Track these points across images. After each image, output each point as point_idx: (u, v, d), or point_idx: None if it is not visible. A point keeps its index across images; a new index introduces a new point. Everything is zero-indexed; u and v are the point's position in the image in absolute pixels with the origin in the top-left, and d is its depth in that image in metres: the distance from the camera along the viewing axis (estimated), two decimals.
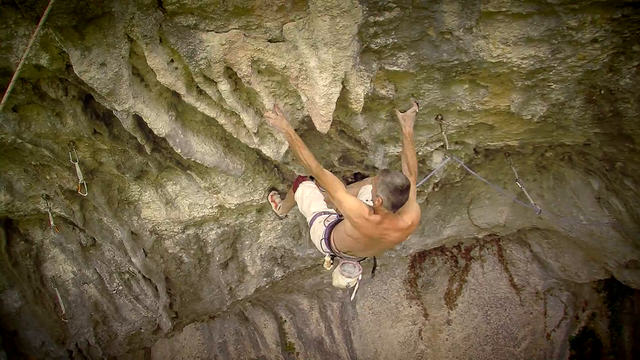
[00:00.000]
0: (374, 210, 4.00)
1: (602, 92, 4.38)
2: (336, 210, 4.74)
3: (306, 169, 4.34)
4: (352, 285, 4.91)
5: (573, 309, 10.07)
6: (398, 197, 3.83)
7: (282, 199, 6.07)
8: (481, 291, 10.19)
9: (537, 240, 9.25)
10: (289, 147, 4.64)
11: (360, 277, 4.88)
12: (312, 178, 5.29)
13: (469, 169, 5.64)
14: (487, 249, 10.00)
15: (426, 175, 5.77)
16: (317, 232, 4.78)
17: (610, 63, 4.05)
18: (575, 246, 8.49)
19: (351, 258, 4.70)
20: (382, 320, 10.35)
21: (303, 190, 5.25)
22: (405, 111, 4.62)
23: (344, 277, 4.82)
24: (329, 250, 4.68)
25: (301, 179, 5.36)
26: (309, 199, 5.15)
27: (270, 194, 6.08)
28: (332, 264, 4.78)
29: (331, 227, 4.61)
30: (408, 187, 3.83)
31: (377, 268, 5.15)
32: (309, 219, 5.01)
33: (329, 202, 4.96)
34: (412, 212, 4.10)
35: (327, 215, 4.82)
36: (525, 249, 9.67)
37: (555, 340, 10.21)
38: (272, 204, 6.09)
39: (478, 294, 10.20)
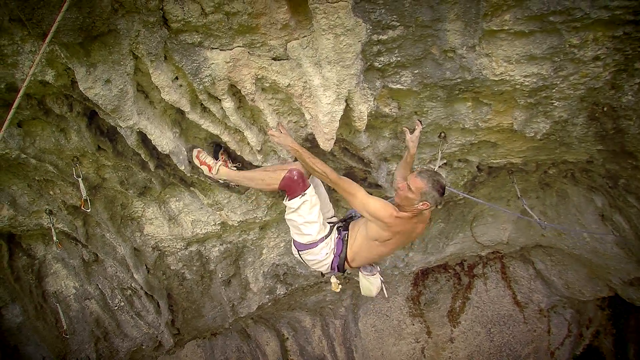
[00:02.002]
0: (397, 206, 4.04)
1: (605, 109, 4.39)
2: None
3: (322, 179, 4.22)
4: (380, 285, 4.72)
5: (577, 326, 9.99)
6: (443, 197, 3.98)
7: (216, 160, 4.67)
8: (484, 309, 10.13)
9: (540, 258, 9.22)
10: None
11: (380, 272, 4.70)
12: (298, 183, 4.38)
13: (453, 190, 5.65)
14: (491, 266, 9.96)
15: None
16: (319, 256, 4.50)
17: (612, 80, 4.06)
18: (579, 263, 8.46)
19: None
20: (385, 337, 10.28)
21: (311, 200, 4.35)
22: (413, 131, 4.58)
23: (371, 278, 4.62)
24: (335, 272, 4.56)
25: (297, 182, 4.31)
26: (315, 215, 4.41)
27: (195, 153, 4.66)
28: (340, 284, 4.68)
29: (341, 252, 4.46)
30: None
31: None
32: (308, 239, 4.47)
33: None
34: None
35: (328, 236, 4.52)
36: (528, 266, 9.63)
37: (559, 358, 10.13)
38: (204, 168, 4.62)
39: (481, 311, 10.14)
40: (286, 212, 4.48)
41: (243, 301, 7.73)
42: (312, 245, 4.46)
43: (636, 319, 9.43)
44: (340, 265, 4.47)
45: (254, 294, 7.62)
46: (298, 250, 4.60)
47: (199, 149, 4.69)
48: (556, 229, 7.41)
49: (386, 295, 4.75)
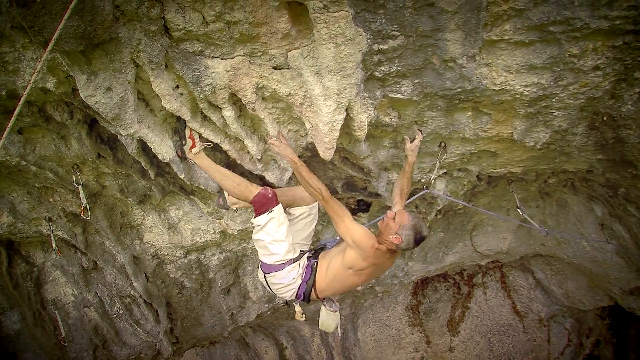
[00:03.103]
0: (378, 236, 4.05)
1: (605, 118, 4.40)
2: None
3: (314, 195, 4.16)
4: (338, 323, 4.66)
5: (577, 336, 9.97)
6: (416, 245, 4.06)
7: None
8: (484, 318, 10.11)
9: (540, 267, 9.21)
10: (292, 173, 4.63)
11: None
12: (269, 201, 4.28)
13: (451, 198, 5.64)
14: (490, 275, 9.95)
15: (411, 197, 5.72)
16: (285, 280, 4.36)
17: (612, 90, 4.07)
18: (579, 273, 8.45)
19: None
20: (384, 347, 10.24)
21: (278, 217, 4.27)
22: (413, 140, 4.59)
23: (332, 314, 4.55)
24: (299, 300, 4.44)
25: (270, 199, 4.27)
26: (283, 233, 4.29)
27: (189, 133, 4.36)
28: (304, 313, 4.59)
29: (309, 279, 4.36)
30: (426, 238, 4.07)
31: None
32: (276, 259, 4.32)
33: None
34: None
35: (297, 260, 4.39)
36: (528, 275, 9.62)
37: None
38: (189, 142, 4.35)
39: (481, 321, 10.12)
40: (254, 232, 4.39)
41: (242, 310, 7.72)
42: (279, 267, 4.33)
43: (636, 328, 9.41)
44: (307, 293, 4.38)
45: (253, 302, 7.61)
46: (264, 273, 4.44)
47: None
48: (556, 238, 7.40)
49: (339, 335, 4.75)
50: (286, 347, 10.12)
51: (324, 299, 4.54)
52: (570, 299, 9.18)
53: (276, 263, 4.32)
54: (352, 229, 4.03)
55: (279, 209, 4.27)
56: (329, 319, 4.60)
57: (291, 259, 4.35)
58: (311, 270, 4.37)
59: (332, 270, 4.28)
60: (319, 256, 4.48)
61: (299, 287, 4.38)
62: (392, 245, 4.01)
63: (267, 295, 7.51)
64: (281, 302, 7.71)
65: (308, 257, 4.48)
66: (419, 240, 3.98)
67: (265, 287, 4.54)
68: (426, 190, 5.39)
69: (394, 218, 4.00)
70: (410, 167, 4.59)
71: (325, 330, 4.70)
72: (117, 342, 7.44)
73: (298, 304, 4.53)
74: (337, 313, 4.58)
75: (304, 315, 4.58)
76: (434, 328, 10.20)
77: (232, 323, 7.87)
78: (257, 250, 4.47)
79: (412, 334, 10.22)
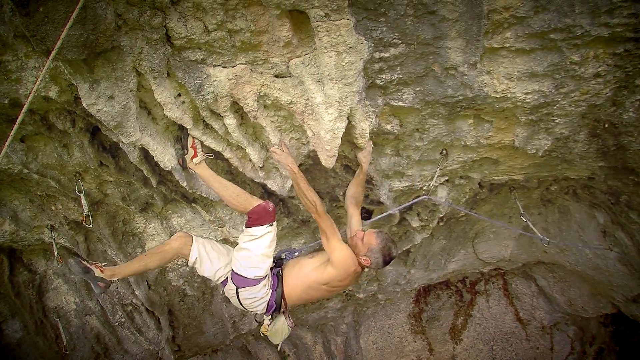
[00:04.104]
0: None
1: (606, 126, 4.40)
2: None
3: (308, 208, 4.12)
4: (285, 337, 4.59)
5: (580, 343, 9.92)
6: (384, 267, 4.18)
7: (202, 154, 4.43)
8: (487, 326, 10.07)
9: (542, 275, 9.18)
10: None
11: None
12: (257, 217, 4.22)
13: (452, 204, 5.63)
14: (493, 283, 9.92)
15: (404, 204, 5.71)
16: (258, 295, 4.23)
17: (613, 97, 4.07)
18: (582, 280, 8.42)
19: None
20: (387, 355, 10.21)
21: (275, 233, 4.28)
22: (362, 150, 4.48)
23: (286, 328, 4.48)
24: (270, 312, 4.36)
25: (270, 213, 4.22)
26: (272, 250, 4.27)
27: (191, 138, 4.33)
28: (268, 327, 4.46)
29: (277, 287, 4.30)
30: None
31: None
32: (256, 274, 4.19)
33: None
34: None
35: (267, 276, 4.33)
36: (530, 283, 9.59)
37: None
38: (191, 151, 4.36)
39: (483, 328, 10.08)
40: (242, 240, 4.25)
41: (244, 318, 7.71)
42: (256, 281, 4.20)
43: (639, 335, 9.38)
44: (278, 301, 4.29)
45: None
46: (237, 287, 4.25)
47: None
48: (558, 245, 7.38)
49: (279, 349, 4.70)
50: (288, 355, 10.09)
51: (287, 310, 4.45)
52: (573, 307, 9.15)
53: (255, 278, 4.19)
54: (338, 249, 4.03)
55: (275, 225, 4.26)
56: (282, 330, 4.47)
57: (267, 274, 4.31)
58: (277, 279, 4.32)
59: (306, 282, 4.25)
60: (285, 264, 4.45)
61: (270, 297, 4.27)
62: (362, 266, 4.14)
63: None
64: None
65: (271, 268, 4.37)
66: (387, 261, 4.08)
67: (235, 302, 4.35)
68: (425, 197, 5.36)
69: (362, 239, 4.06)
70: (364, 175, 4.56)
71: (271, 340, 4.55)
72: (119, 350, 7.43)
73: (269, 317, 4.41)
74: (288, 330, 4.52)
75: (267, 328, 4.45)
76: (436, 336, 10.16)
77: (234, 331, 7.86)
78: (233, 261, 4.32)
79: (415, 341, 10.19)
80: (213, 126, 4.17)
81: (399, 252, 3.99)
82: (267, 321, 4.44)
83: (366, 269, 4.23)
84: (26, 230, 5.51)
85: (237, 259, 4.25)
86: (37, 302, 6.63)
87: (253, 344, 9.84)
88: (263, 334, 4.44)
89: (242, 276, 4.20)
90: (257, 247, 4.17)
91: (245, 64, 3.70)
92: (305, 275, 4.26)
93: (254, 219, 4.18)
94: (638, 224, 5.85)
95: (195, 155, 4.34)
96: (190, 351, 8.25)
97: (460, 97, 4.09)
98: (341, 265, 4.04)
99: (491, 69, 3.88)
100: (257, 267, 4.17)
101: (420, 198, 5.39)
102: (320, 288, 4.25)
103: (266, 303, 4.28)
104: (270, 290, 4.27)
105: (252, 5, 3.28)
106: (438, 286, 9.93)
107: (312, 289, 4.27)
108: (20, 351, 6.95)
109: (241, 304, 4.30)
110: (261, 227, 4.17)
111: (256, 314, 4.45)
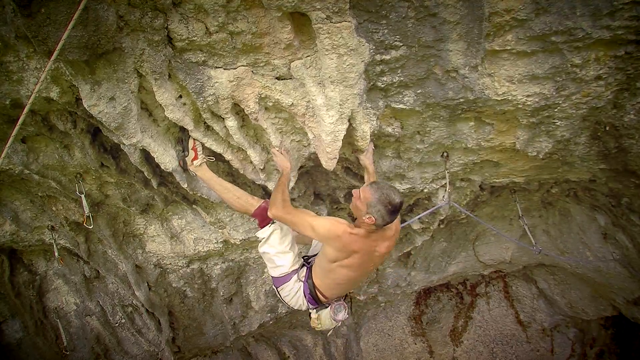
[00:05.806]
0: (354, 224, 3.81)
1: (607, 128, 4.40)
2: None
3: (273, 201, 3.99)
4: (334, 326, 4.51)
5: (581, 346, 9.90)
6: (393, 216, 3.63)
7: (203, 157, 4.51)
8: (487, 328, 10.06)
9: (543, 277, 9.18)
10: (294, 183, 4.64)
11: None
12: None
13: (465, 212, 5.59)
14: (493, 285, 9.92)
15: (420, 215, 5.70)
16: (294, 290, 4.30)
17: (614, 99, 4.07)
18: (582, 282, 8.41)
19: (337, 300, 4.35)
20: (387, 357, 10.19)
21: (281, 229, 4.32)
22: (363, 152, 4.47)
23: (332, 321, 4.36)
24: (314, 305, 4.31)
25: (266, 215, 4.23)
26: (287, 245, 4.34)
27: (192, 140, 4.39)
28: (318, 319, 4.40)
29: (308, 278, 4.24)
30: (402, 203, 3.63)
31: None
32: (282, 271, 4.31)
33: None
34: None
35: (298, 271, 4.35)
36: (531, 285, 9.58)
37: None
38: (192, 153, 4.42)
39: (484, 331, 10.07)
40: (259, 246, 4.39)
41: (244, 319, 7.70)
42: (286, 277, 4.28)
43: None
44: (313, 294, 4.22)
45: (255, 312, 7.59)
46: (276, 288, 4.40)
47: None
48: (558, 247, 7.38)
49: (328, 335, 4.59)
50: (288, 356, 10.07)
51: (331, 302, 4.33)
52: (573, 309, 9.14)
53: (282, 275, 4.30)
54: (315, 225, 3.79)
55: (277, 223, 4.25)
56: (327, 321, 4.37)
57: (296, 269, 4.34)
58: (308, 271, 4.29)
59: (322, 267, 4.09)
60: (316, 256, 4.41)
61: (304, 290, 4.26)
62: (370, 227, 3.68)
63: (270, 304, 7.49)
64: (283, 311, 7.69)
65: (302, 264, 4.41)
66: (393, 210, 3.56)
67: (284, 303, 4.52)
68: (445, 203, 5.29)
69: (359, 198, 3.66)
70: (373, 176, 4.50)
71: (320, 328, 4.46)
72: (119, 351, 7.42)
73: (315, 310, 4.36)
74: (336, 323, 4.40)
75: (319, 322, 4.37)
76: (436, 338, 10.15)
77: (235, 333, 7.85)
78: (260, 261, 4.46)
79: (415, 344, 10.17)
80: (214, 128, 4.17)
81: (402, 199, 3.62)
82: (313, 315, 4.38)
83: (376, 229, 3.74)
84: (27, 230, 5.51)
85: (266, 263, 4.47)
86: (37, 303, 6.62)
87: (253, 345, 9.82)
88: (313, 327, 4.45)
89: (274, 277, 4.39)
90: (270, 248, 4.32)
91: (247, 65, 3.70)
92: (320, 260, 4.13)
93: (261, 220, 4.31)
94: (639, 227, 5.85)
95: (195, 158, 4.39)
96: (190, 352, 8.25)
97: (461, 100, 4.09)
98: (328, 236, 3.75)
99: (492, 71, 3.88)
100: (279, 266, 4.31)
101: (440, 205, 5.38)
102: (333, 267, 3.93)
103: (304, 296, 4.28)
104: (302, 283, 4.28)
105: (254, 8, 3.28)
106: (438, 288, 9.92)
107: (329, 270, 4.01)
108: (20, 351, 6.94)
109: (286, 303, 4.46)
110: (265, 228, 4.30)
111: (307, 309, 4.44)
